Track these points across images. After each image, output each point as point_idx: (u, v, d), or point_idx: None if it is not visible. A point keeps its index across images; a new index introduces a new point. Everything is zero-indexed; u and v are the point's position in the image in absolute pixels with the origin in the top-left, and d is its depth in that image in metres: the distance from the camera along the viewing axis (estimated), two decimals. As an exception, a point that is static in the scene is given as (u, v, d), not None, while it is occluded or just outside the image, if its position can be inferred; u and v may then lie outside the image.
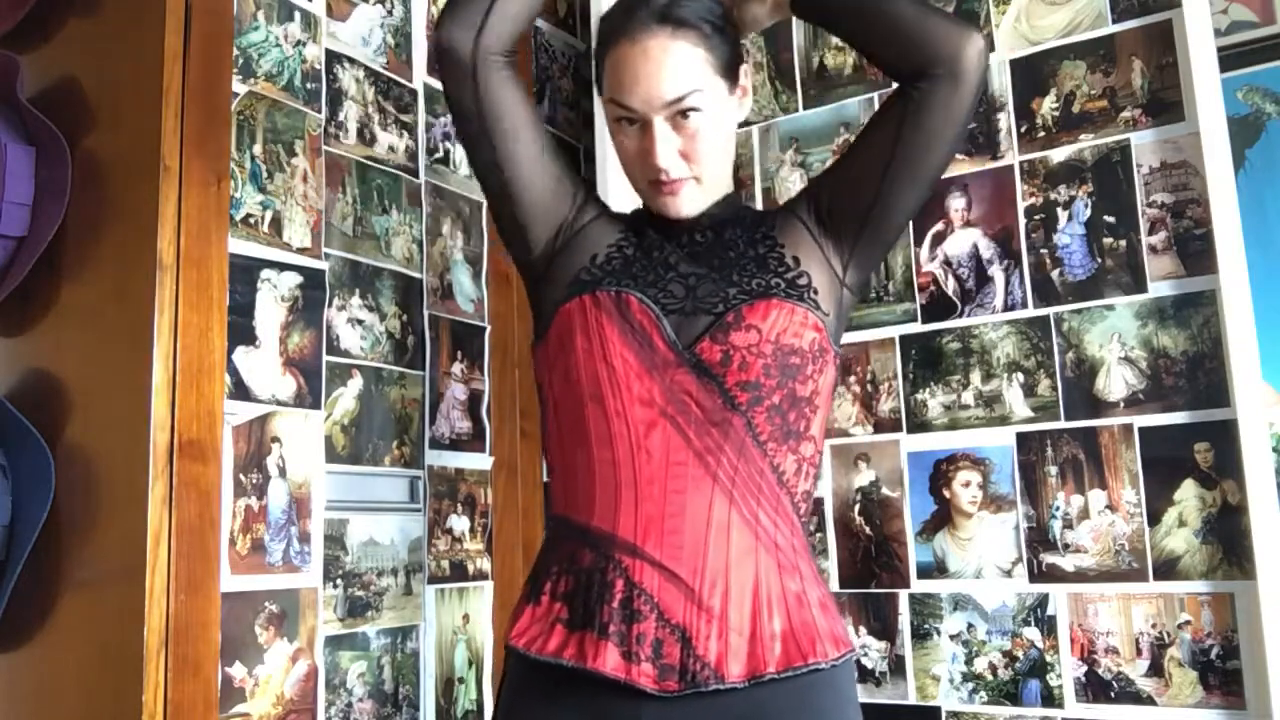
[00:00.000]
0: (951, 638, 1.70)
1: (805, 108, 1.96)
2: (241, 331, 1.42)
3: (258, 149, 1.49)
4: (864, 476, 1.81)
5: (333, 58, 1.63)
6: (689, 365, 1.09)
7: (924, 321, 1.79)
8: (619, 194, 1.74)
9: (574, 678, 1.05)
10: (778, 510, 1.10)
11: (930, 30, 1.08)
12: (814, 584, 1.11)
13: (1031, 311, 1.70)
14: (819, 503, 1.84)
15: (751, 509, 1.08)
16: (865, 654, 1.76)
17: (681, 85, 1.10)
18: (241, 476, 1.40)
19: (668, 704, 1.03)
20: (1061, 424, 1.66)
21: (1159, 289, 1.61)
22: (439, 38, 1.17)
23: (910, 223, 1.19)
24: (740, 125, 2.02)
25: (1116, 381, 1.63)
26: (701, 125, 1.11)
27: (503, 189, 1.20)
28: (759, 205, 1.95)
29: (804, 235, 1.17)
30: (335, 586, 1.51)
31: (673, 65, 1.10)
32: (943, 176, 1.77)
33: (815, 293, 1.14)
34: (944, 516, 1.74)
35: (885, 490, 1.79)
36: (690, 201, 1.16)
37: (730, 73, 1.15)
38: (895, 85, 1.13)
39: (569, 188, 1.22)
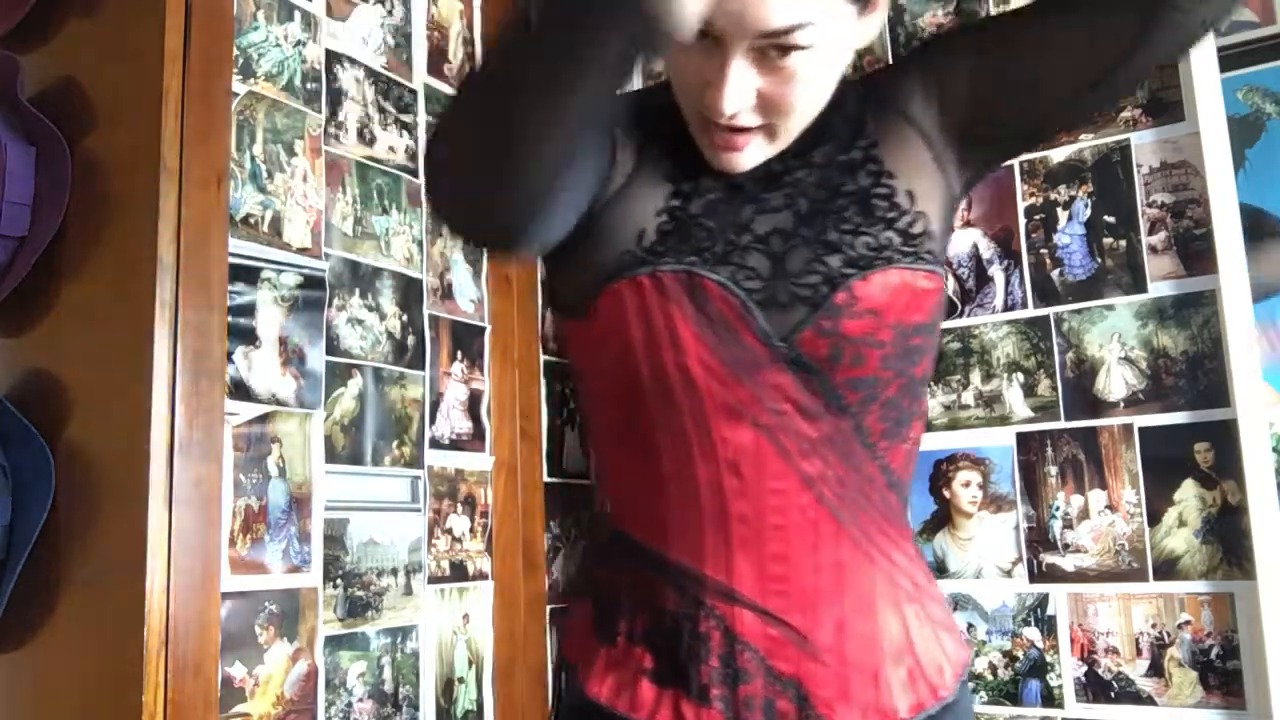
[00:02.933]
0: (951, 638, 1.70)
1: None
2: (241, 331, 1.42)
3: (258, 149, 1.49)
4: (864, 476, 1.81)
5: (333, 58, 1.63)
6: (786, 362, 0.84)
7: (924, 321, 1.79)
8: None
9: None
10: (888, 519, 0.91)
11: None
12: (931, 598, 0.94)
13: (1031, 311, 1.70)
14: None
15: (863, 528, 0.89)
16: (865, 654, 1.76)
17: (794, 14, 0.76)
18: (241, 476, 1.40)
19: None
20: (1061, 424, 1.66)
21: (1159, 289, 1.61)
22: (449, 208, 0.78)
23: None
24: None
25: (1116, 381, 1.62)
26: (802, 66, 0.79)
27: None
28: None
29: (919, 150, 0.89)
30: (335, 586, 1.51)
31: None
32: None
33: (932, 237, 0.87)
34: (944, 516, 1.74)
35: (885, 490, 1.79)
36: (751, 158, 0.86)
37: None
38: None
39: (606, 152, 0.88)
